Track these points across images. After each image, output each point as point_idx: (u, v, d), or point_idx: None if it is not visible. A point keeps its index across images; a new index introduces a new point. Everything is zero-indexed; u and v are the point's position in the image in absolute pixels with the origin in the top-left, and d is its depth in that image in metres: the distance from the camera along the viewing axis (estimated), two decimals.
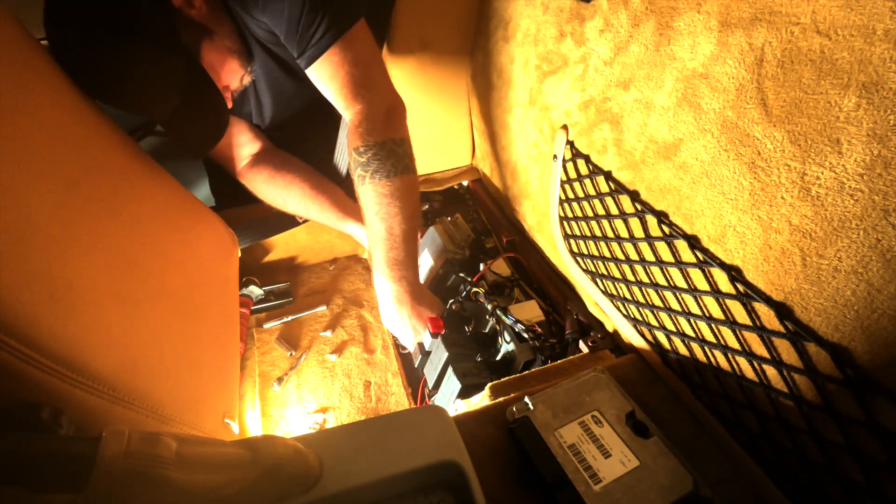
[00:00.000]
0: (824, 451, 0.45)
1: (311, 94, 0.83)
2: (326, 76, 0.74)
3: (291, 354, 0.96)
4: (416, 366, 0.88)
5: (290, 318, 1.02)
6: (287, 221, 1.01)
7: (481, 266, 0.91)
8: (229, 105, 0.81)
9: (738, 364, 0.52)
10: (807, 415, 0.45)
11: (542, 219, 0.87)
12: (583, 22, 0.67)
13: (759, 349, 0.49)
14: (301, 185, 0.92)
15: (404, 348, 0.95)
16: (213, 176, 1.13)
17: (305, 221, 1.00)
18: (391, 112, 0.78)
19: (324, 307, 1.05)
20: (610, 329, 0.75)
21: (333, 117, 0.94)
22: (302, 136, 1.00)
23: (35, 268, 0.39)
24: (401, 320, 0.81)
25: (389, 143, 0.76)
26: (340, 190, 0.95)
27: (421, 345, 0.88)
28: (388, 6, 0.89)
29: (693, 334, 0.57)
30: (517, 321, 0.77)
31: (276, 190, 0.92)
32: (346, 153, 0.80)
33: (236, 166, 0.93)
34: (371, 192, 0.76)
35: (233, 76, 0.80)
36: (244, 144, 0.93)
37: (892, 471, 0.39)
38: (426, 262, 0.97)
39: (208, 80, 0.74)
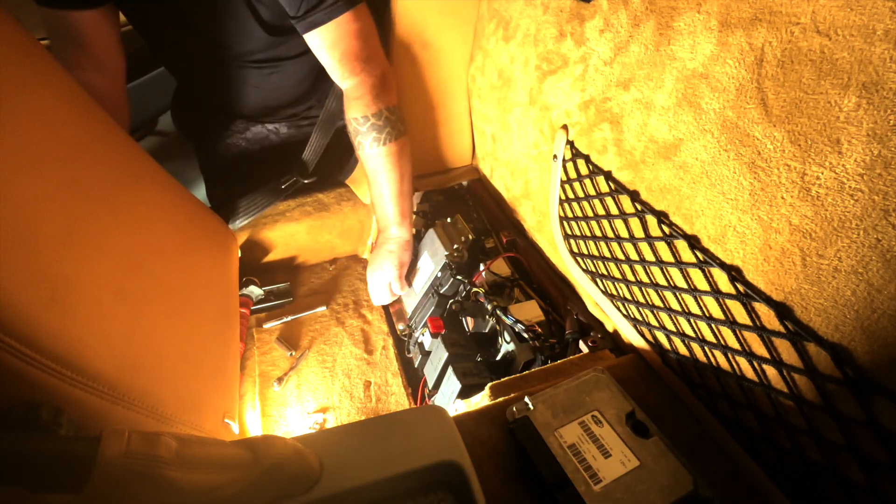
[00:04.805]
0: (824, 451, 0.45)
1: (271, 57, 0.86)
2: (328, 43, 0.77)
3: (291, 354, 0.96)
4: (416, 366, 0.88)
5: (289, 318, 1.02)
6: (273, 192, 0.99)
7: (481, 266, 0.91)
8: None
9: (738, 364, 0.52)
10: (807, 415, 0.45)
11: (542, 219, 0.87)
12: (583, 22, 0.67)
13: (759, 349, 0.49)
14: None
15: (405, 332, 0.96)
16: (210, 183, 1.13)
17: (288, 185, 0.99)
18: (385, 80, 0.84)
19: (324, 307, 1.05)
20: (610, 329, 0.75)
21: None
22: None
23: (35, 268, 0.39)
24: (396, 270, 0.94)
25: (385, 112, 0.84)
26: None
27: (421, 345, 0.88)
28: None
29: (693, 334, 0.57)
30: (517, 321, 0.77)
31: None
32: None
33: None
34: (376, 156, 0.85)
35: None
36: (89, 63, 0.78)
37: (892, 471, 0.39)
38: (426, 265, 0.97)
39: None
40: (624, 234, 0.64)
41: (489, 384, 0.65)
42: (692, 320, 0.56)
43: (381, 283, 0.96)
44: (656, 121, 0.56)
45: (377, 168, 0.87)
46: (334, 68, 0.80)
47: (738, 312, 0.51)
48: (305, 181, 1.01)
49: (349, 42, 0.77)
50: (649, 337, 0.65)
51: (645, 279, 0.62)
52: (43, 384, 0.36)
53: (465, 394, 0.70)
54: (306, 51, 0.89)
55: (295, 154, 1.01)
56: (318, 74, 0.97)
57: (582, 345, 0.74)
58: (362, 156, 0.87)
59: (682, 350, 0.59)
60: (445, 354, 0.76)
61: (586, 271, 0.75)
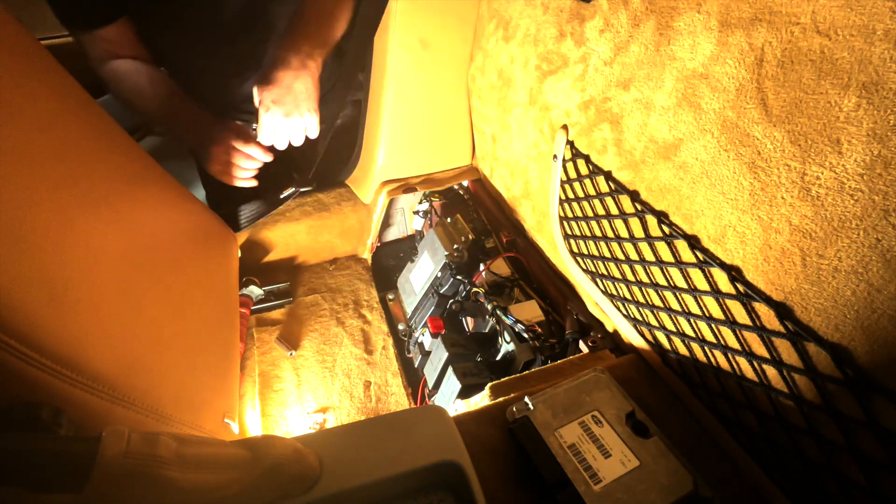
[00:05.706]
0: (824, 451, 0.45)
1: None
2: None
3: (291, 354, 0.96)
4: (416, 366, 0.88)
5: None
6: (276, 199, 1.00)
7: (481, 266, 0.91)
8: None
9: (738, 364, 0.52)
10: (807, 415, 0.45)
11: (542, 219, 0.87)
12: (583, 22, 0.66)
13: (759, 349, 0.49)
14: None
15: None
16: (209, 183, 1.13)
17: (287, 196, 1.00)
18: None
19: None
20: (610, 329, 0.75)
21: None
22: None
23: (35, 268, 0.39)
24: (295, 94, 0.74)
25: None
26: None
27: (421, 345, 0.88)
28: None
29: (693, 334, 0.57)
30: (517, 321, 0.77)
31: (141, 75, 0.87)
32: None
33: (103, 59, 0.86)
34: None
35: None
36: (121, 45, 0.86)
37: (892, 471, 0.39)
38: (426, 265, 0.97)
39: None
40: (624, 234, 0.64)
41: (489, 384, 0.65)
42: (692, 320, 0.56)
43: (293, 125, 0.77)
44: (656, 121, 0.56)
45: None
46: None
47: (738, 312, 0.51)
48: (303, 189, 1.01)
49: None
50: (649, 337, 0.65)
51: (645, 279, 0.62)
52: (43, 384, 0.36)
53: (465, 394, 0.70)
54: None
55: (292, 152, 1.01)
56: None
57: (582, 345, 0.74)
58: None
59: (682, 350, 0.59)
60: (445, 354, 0.76)
61: (586, 271, 0.75)
